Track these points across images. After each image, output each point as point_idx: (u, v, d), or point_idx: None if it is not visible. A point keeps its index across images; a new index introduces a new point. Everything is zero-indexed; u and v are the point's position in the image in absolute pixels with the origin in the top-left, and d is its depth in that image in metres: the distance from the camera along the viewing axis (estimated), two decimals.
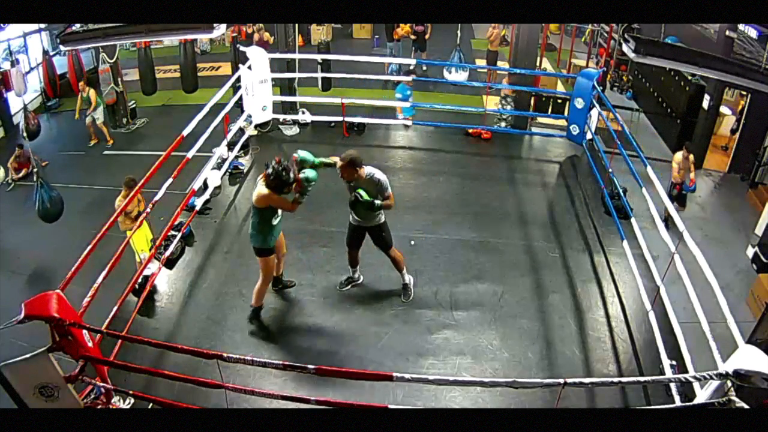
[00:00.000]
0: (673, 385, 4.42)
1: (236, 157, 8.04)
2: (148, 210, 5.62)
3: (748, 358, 3.12)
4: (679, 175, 7.81)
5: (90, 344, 3.88)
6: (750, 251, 6.96)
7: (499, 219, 6.97)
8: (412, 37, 12.82)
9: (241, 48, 8.63)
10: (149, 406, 4.27)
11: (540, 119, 10.08)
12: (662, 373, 4.64)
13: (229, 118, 7.90)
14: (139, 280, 5.51)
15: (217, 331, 5.26)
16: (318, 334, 5.23)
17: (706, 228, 8.02)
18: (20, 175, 9.28)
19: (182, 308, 5.57)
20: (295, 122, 9.22)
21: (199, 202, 6.90)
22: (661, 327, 5.02)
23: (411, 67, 11.48)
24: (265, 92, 8.55)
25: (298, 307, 5.52)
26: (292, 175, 4.67)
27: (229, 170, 7.77)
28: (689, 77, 10.29)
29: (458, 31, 10.85)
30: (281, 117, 9.16)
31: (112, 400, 4.31)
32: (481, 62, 13.13)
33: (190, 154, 6.28)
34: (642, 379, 4.77)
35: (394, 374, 3.46)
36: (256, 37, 12.73)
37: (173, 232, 6.21)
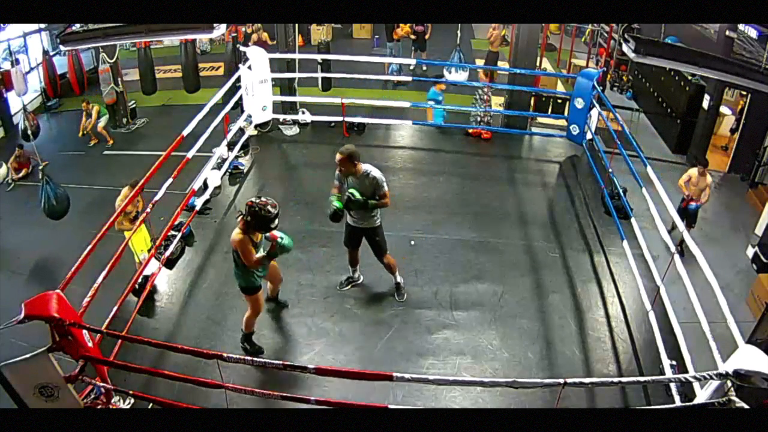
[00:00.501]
0: (673, 385, 4.41)
1: (236, 157, 8.03)
2: (149, 210, 5.62)
3: (748, 358, 3.12)
4: (690, 190, 7.44)
5: (90, 344, 3.88)
6: (750, 251, 6.97)
7: (499, 219, 6.97)
8: (412, 37, 12.83)
9: (241, 48, 8.62)
10: (149, 406, 4.27)
11: (540, 119, 10.08)
12: (662, 373, 4.64)
13: (229, 118, 7.90)
14: (139, 280, 5.51)
15: (217, 331, 5.26)
16: (318, 334, 5.23)
17: (706, 228, 8.03)
18: (20, 175, 9.30)
19: (182, 308, 5.57)
20: (295, 122, 9.21)
21: (199, 202, 6.90)
22: (661, 327, 5.02)
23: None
24: (265, 92, 8.55)
25: (299, 307, 5.52)
26: (271, 210, 4.43)
27: (229, 170, 7.77)
28: (689, 77, 10.31)
29: (458, 31, 10.85)
30: (281, 117, 9.15)
31: (112, 400, 4.31)
32: (481, 62, 13.14)
33: (190, 154, 6.27)
34: (642, 379, 4.77)
35: (394, 374, 3.46)
36: (254, 37, 12.74)
37: (173, 232, 6.20)
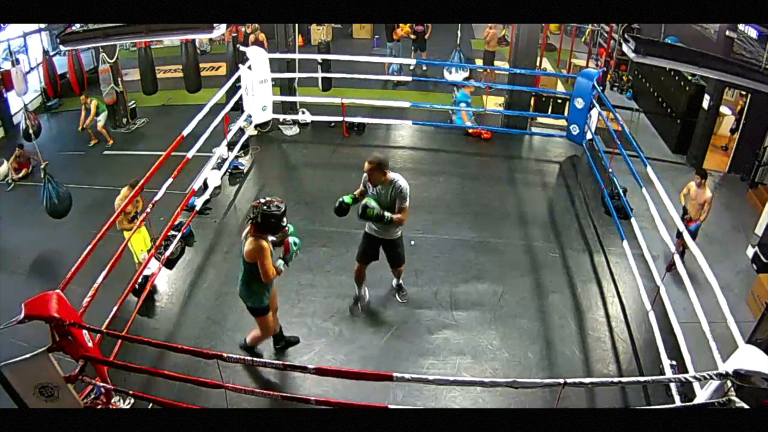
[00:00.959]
0: (673, 385, 4.42)
1: (236, 157, 8.04)
2: (149, 210, 5.62)
3: (748, 358, 3.13)
4: (688, 204, 6.70)
5: (90, 344, 3.88)
6: (750, 251, 6.96)
7: (499, 219, 6.98)
8: (412, 36, 12.82)
9: (241, 48, 8.62)
10: (149, 406, 4.27)
11: (540, 119, 10.08)
12: (662, 373, 4.65)
13: (229, 118, 7.90)
14: (139, 280, 5.51)
15: (217, 331, 5.26)
16: (318, 334, 5.23)
17: (706, 228, 8.01)
18: (20, 175, 9.28)
19: (182, 308, 5.57)
20: (295, 122, 9.22)
21: (199, 202, 6.90)
22: (661, 327, 5.03)
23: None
24: (265, 92, 8.55)
25: (298, 307, 5.52)
26: (280, 206, 4.21)
27: (229, 170, 7.77)
28: (689, 77, 10.29)
29: (458, 31, 10.84)
30: (281, 117, 9.16)
31: (112, 400, 4.31)
32: (480, 62, 13.13)
33: (190, 154, 6.28)
34: (642, 379, 4.77)
35: (394, 374, 3.46)
36: (251, 38, 12.73)
37: (173, 232, 6.21)
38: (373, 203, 4.68)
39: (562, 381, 3.25)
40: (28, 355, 3.52)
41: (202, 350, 3.89)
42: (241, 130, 8.42)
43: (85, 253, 4.35)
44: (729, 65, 5.65)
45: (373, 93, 11.13)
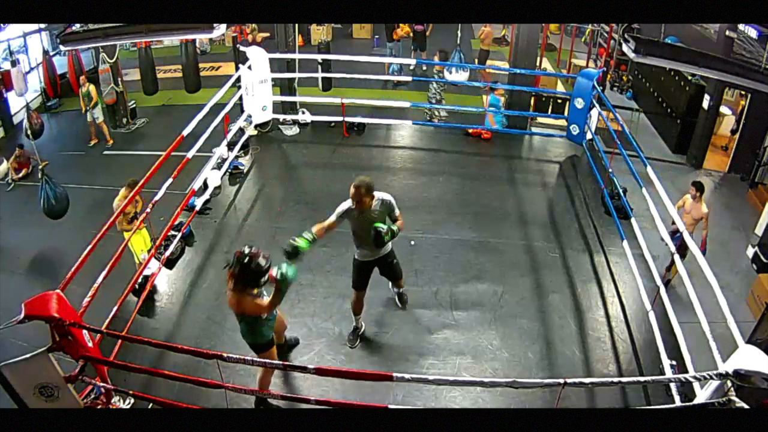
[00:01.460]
0: (673, 385, 4.42)
1: (236, 157, 8.04)
2: (149, 210, 5.62)
3: (748, 358, 3.13)
4: (684, 218, 6.15)
5: (90, 344, 3.88)
6: (750, 251, 6.96)
7: (499, 219, 6.97)
8: (411, 35, 12.83)
9: (241, 48, 8.63)
10: (149, 406, 4.27)
11: (540, 119, 10.08)
12: (662, 373, 4.64)
13: (229, 118, 7.90)
14: (139, 280, 5.51)
15: (217, 331, 5.26)
16: (318, 334, 5.23)
17: None
18: (20, 175, 9.29)
19: (182, 308, 5.57)
20: (295, 122, 9.22)
21: (199, 202, 6.90)
22: (661, 327, 5.02)
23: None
24: (265, 92, 8.55)
25: (298, 307, 5.52)
26: (263, 261, 3.78)
27: (229, 170, 7.77)
28: (689, 77, 10.30)
29: (458, 31, 10.84)
30: (281, 117, 9.16)
31: (112, 400, 4.31)
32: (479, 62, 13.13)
33: (190, 154, 6.28)
34: (642, 379, 4.77)
35: (394, 374, 3.46)
36: (249, 38, 12.75)
37: (173, 232, 6.21)
38: (382, 226, 4.44)
39: (562, 381, 3.25)
40: (28, 355, 3.52)
41: (202, 350, 3.89)
42: (241, 130, 8.42)
43: (85, 253, 4.35)
44: (729, 65, 5.65)
45: (373, 93, 11.14)
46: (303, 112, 9.38)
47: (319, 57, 9.74)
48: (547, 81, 12.10)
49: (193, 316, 5.46)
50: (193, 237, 6.53)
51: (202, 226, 6.75)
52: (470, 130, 9.13)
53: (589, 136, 8.14)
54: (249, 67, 8.18)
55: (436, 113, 9.88)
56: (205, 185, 7.21)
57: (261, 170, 8.12)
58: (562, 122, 9.06)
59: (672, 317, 4.92)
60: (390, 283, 5.32)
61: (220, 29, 6.45)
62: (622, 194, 6.86)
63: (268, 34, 12.68)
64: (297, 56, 9.43)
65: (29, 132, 9.04)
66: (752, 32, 7.65)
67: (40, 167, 7.30)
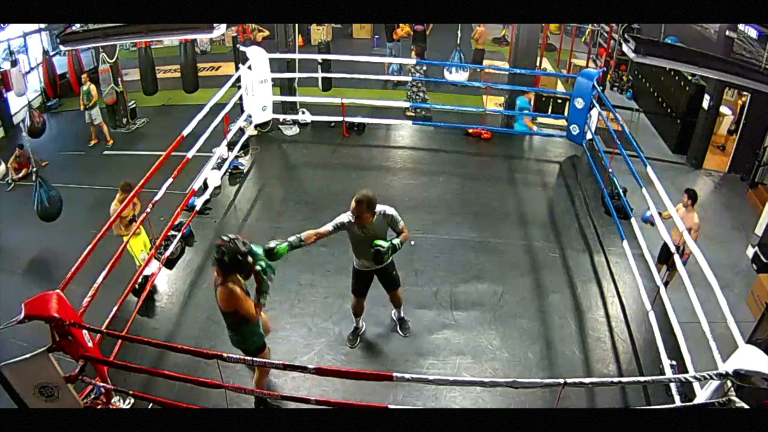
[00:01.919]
0: (673, 385, 4.41)
1: (236, 157, 8.04)
2: (148, 210, 5.61)
3: (748, 358, 3.13)
4: (673, 231, 5.74)
5: (90, 344, 3.88)
6: (750, 251, 6.97)
7: (499, 219, 6.97)
8: (411, 35, 12.83)
9: (241, 48, 8.63)
10: (149, 406, 4.27)
11: (540, 119, 10.08)
12: (662, 373, 4.64)
13: (229, 118, 7.91)
14: (139, 280, 5.51)
15: (217, 331, 5.24)
16: (318, 334, 5.23)
17: (706, 228, 8.02)
18: (20, 175, 9.31)
19: (182, 308, 5.57)
20: (295, 122, 9.22)
21: (199, 202, 6.90)
22: (661, 327, 5.02)
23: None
24: (265, 92, 8.55)
25: (299, 307, 5.52)
26: (242, 245, 3.80)
27: (229, 170, 7.77)
28: (689, 77, 10.31)
29: (458, 31, 10.85)
30: (281, 117, 9.16)
31: (112, 400, 4.31)
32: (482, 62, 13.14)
33: (190, 154, 6.28)
34: (642, 379, 4.77)
35: (394, 374, 3.46)
36: (251, 38, 12.76)
37: (173, 232, 6.21)
38: (383, 245, 4.34)
39: (562, 381, 3.25)
40: (28, 355, 3.52)
41: (202, 350, 3.89)
42: (241, 130, 8.42)
43: (85, 253, 4.35)
44: (729, 65, 5.65)
45: (373, 93, 11.15)
46: (303, 112, 9.38)
47: (319, 57, 9.74)
48: (547, 81, 12.11)
49: (193, 316, 5.46)
50: (193, 237, 6.53)
51: (202, 226, 6.74)
52: (470, 130, 9.13)
53: (589, 136, 8.14)
54: (249, 67, 8.18)
55: (418, 111, 9.92)
56: (205, 185, 7.21)
57: (261, 170, 8.12)
58: (562, 122, 9.06)
59: (672, 317, 4.92)
60: (392, 309, 5.24)
61: (220, 29, 6.45)
62: (622, 194, 6.86)
63: (267, 33, 12.68)
64: (297, 56, 9.44)
65: (30, 131, 9.06)
66: (752, 32, 7.65)
67: (34, 170, 7.32)
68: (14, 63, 10.25)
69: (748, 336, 5.57)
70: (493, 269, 6.08)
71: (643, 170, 5.82)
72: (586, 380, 4.26)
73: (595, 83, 7.88)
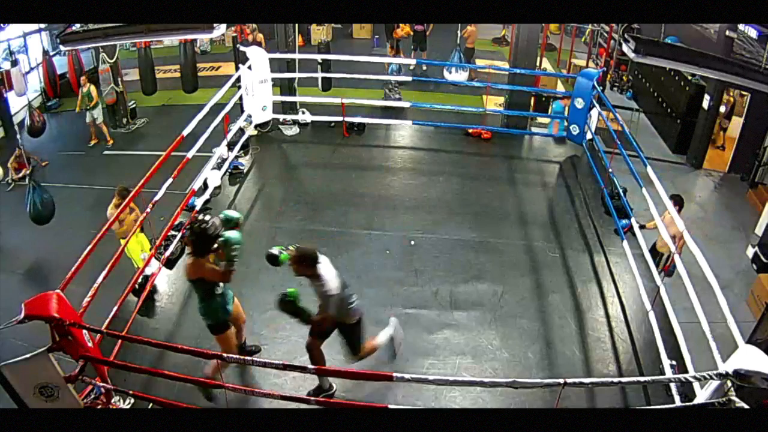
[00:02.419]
0: (673, 385, 4.41)
1: (236, 157, 8.03)
2: (148, 210, 5.61)
3: (748, 358, 3.12)
4: (659, 238, 5.88)
5: (90, 344, 3.88)
6: (750, 251, 6.97)
7: (499, 219, 6.97)
8: (411, 35, 12.83)
9: (241, 48, 8.63)
10: (149, 406, 4.27)
11: (540, 119, 10.08)
12: (662, 373, 4.64)
13: (229, 118, 7.91)
14: (139, 280, 5.51)
15: None
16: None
17: (706, 228, 8.02)
18: (20, 175, 9.30)
19: (182, 308, 5.56)
20: (295, 122, 9.21)
21: (199, 202, 6.90)
22: (661, 327, 5.02)
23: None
24: (265, 92, 8.55)
25: None
26: (212, 228, 4.10)
27: (229, 170, 7.77)
28: (689, 77, 10.31)
29: (458, 31, 10.85)
30: (281, 117, 9.15)
31: (112, 400, 4.31)
32: (481, 62, 13.14)
33: (190, 154, 6.28)
34: (642, 379, 4.77)
35: (394, 374, 3.46)
36: (249, 39, 12.76)
37: (173, 232, 6.20)
38: (293, 293, 4.21)
39: (562, 381, 3.24)
40: (28, 355, 3.52)
41: (202, 350, 3.89)
42: (241, 130, 8.42)
43: (85, 253, 4.35)
44: (729, 65, 5.65)
45: (373, 93, 11.14)
46: (303, 112, 9.38)
47: (319, 57, 9.74)
48: (547, 81, 12.10)
49: (193, 316, 5.43)
50: None
51: None
52: (470, 130, 9.13)
53: (589, 136, 8.14)
54: (249, 67, 8.18)
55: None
56: (205, 185, 7.21)
57: (261, 170, 8.12)
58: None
59: (672, 317, 4.92)
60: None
61: (220, 29, 6.44)
62: (622, 194, 6.85)
63: (261, 37, 12.70)
64: (297, 56, 9.43)
65: (29, 131, 9.06)
66: (752, 32, 7.65)
67: (27, 172, 7.31)
68: (14, 63, 10.24)
69: (748, 336, 5.57)
70: (493, 269, 6.08)
71: (643, 170, 5.82)
72: (586, 380, 4.26)
73: (595, 83, 7.88)
